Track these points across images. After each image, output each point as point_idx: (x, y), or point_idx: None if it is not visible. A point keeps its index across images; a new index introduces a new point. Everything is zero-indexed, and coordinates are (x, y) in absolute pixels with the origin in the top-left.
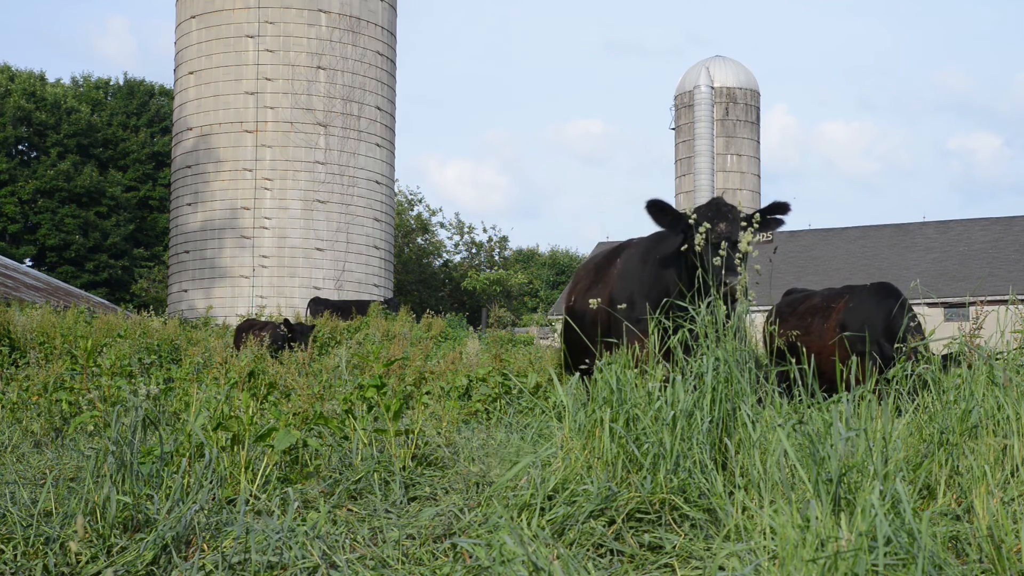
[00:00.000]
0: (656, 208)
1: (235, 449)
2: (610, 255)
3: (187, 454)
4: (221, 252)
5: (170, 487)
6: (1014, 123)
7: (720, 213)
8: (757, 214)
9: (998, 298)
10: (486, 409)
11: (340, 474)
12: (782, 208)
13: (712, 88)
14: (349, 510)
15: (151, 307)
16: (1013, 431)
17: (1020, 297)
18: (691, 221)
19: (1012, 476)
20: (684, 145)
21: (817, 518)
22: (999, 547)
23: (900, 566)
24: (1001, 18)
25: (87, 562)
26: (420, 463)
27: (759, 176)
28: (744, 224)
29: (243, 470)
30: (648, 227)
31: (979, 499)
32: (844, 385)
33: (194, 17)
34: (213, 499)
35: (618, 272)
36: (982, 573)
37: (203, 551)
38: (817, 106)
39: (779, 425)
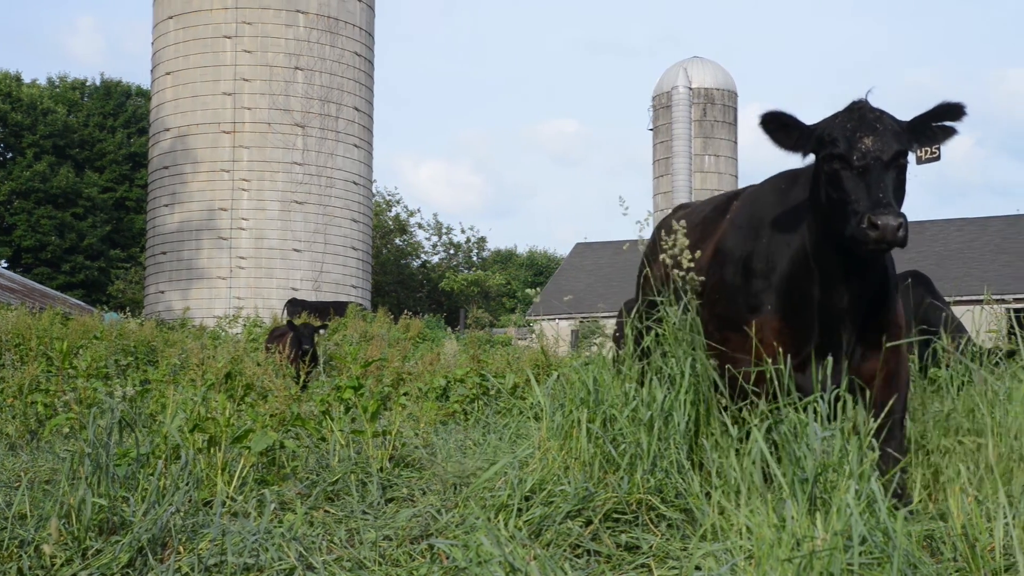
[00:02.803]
0: (776, 123)
1: (212, 451)
2: (724, 202)
3: (163, 456)
4: (198, 253)
5: (146, 489)
6: (985, 123)
7: (864, 123)
8: (919, 121)
9: (973, 298)
10: (464, 410)
11: (317, 475)
12: (954, 111)
13: (690, 89)
14: (326, 511)
15: (128, 308)
16: (987, 431)
17: (995, 297)
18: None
19: (987, 475)
20: (662, 146)
21: (793, 518)
22: (973, 545)
23: (875, 565)
24: (972, 18)
25: (62, 565)
26: (398, 464)
27: (736, 177)
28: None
29: (220, 472)
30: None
31: (954, 498)
32: (820, 385)
33: (171, 17)
34: (189, 501)
35: (730, 221)
36: (956, 571)
37: (179, 553)
38: (791, 106)
39: (755, 425)
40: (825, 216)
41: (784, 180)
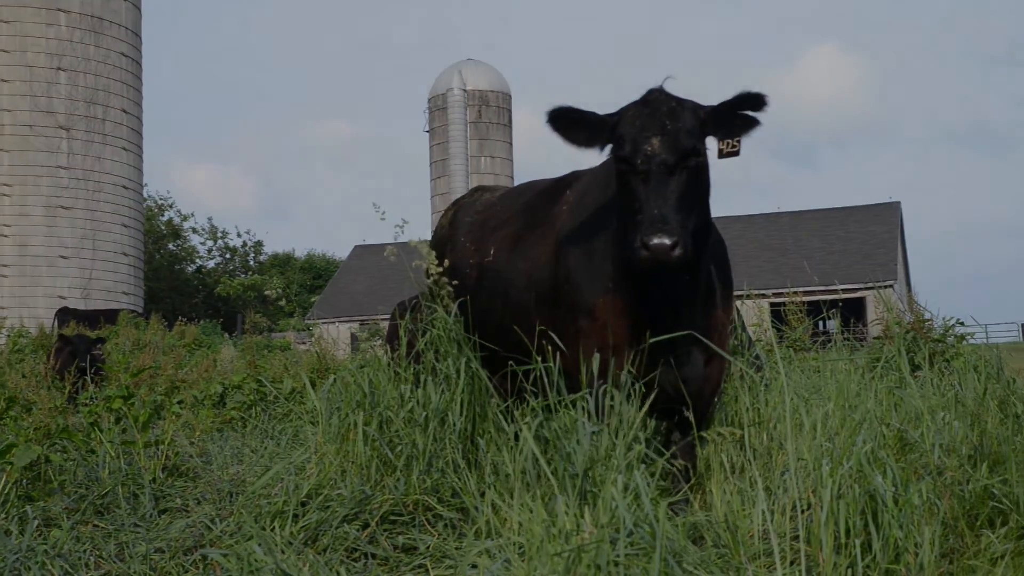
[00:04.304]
0: (564, 119)
1: None
2: (552, 188)
3: None
4: None
5: None
6: None
7: (653, 119)
8: (718, 111)
9: (737, 293)
10: (242, 417)
11: (87, 489)
12: (754, 101)
13: (465, 91)
14: (95, 526)
15: None
16: (745, 421)
17: (757, 292)
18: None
19: (748, 463)
20: (439, 147)
21: (565, 512)
22: (735, 532)
23: (642, 555)
24: (727, 24)
25: None
26: (171, 474)
27: (512, 178)
28: (690, 130)
29: None
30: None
31: (716, 487)
32: (587, 380)
33: None
34: None
35: (572, 208)
36: (719, 558)
37: None
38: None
39: (526, 423)
40: (620, 220)
41: None
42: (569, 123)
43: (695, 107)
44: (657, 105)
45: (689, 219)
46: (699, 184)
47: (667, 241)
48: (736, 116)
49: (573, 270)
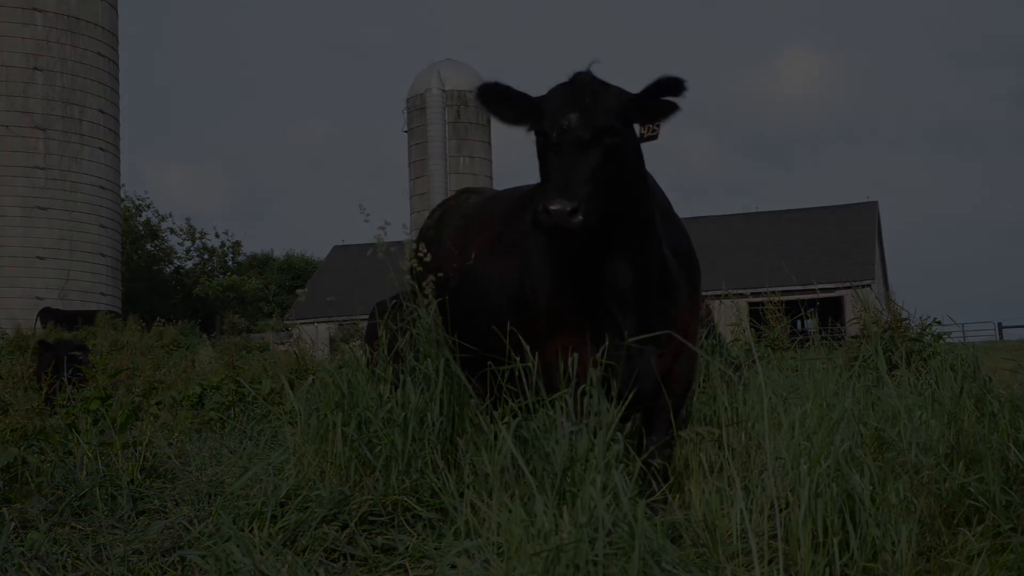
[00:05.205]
0: (492, 94)
1: None
2: (529, 193)
3: None
4: None
5: None
6: (720, 123)
7: (574, 97)
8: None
9: (716, 293)
10: (220, 417)
11: (64, 491)
12: (673, 86)
13: (444, 91)
14: (73, 527)
15: None
16: (723, 421)
17: (735, 292)
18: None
19: (726, 463)
20: (417, 147)
21: (544, 512)
22: (713, 531)
23: (621, 555)
24: (710, 20)
25: None
26: (150, 475)
27: (491, 178)
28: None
29: None
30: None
31: (695, 486)
32: (565, 379)
33: None
34: None
35: None
36: (698, 557)
37: None
38: None
39: (504, 423)
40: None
41: None
42: (497, 98)
43: (618, 91)
44: (580, 86)
45: (600, 194)
46: (617, 164)
47: (567, 206)
48: (656, 101)
49: (534, 273)
